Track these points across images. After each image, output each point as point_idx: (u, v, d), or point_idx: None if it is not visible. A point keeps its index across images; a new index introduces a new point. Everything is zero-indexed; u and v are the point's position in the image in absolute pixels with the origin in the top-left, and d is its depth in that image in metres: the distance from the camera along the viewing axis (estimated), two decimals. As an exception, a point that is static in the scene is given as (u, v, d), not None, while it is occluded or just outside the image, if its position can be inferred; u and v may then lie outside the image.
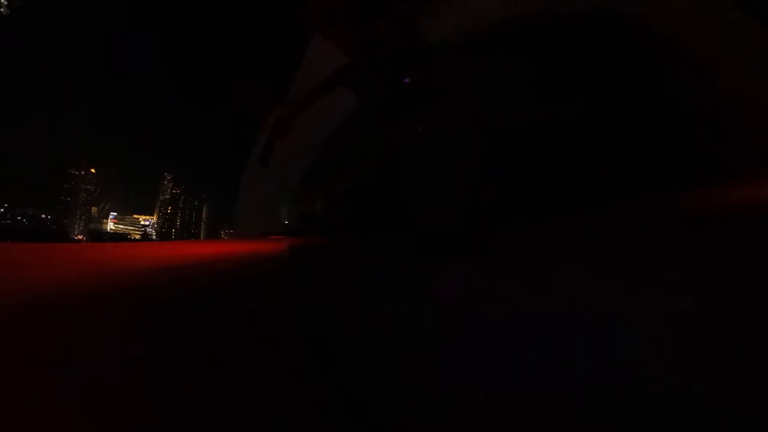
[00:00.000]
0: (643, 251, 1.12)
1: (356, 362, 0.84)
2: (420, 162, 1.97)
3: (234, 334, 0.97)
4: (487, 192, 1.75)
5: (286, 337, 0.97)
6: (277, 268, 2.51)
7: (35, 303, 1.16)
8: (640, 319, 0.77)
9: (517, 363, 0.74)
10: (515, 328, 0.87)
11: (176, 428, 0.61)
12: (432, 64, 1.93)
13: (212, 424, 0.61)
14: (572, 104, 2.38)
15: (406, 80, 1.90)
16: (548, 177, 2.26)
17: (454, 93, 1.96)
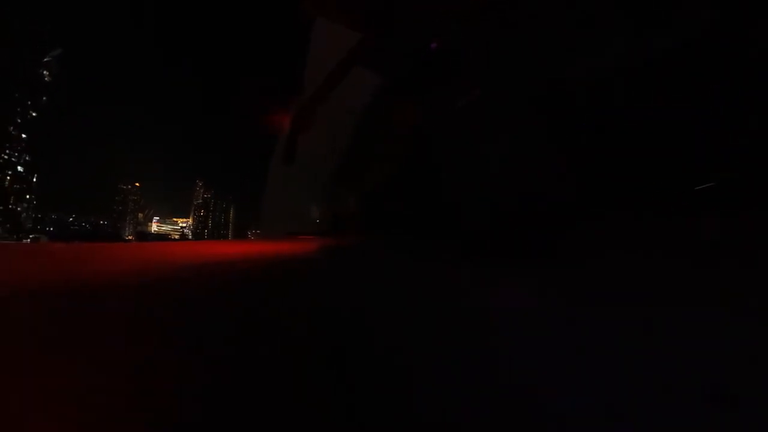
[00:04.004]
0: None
1: (368, 380, 0.60)
2: (461, 146, 1.35)
3: (236, 335, 0.77)
4: (550, 180, 1.11)
5: (290, 341, 0.75)
6: (293, 269, 2.09)
7: (89, 294, 1.05)
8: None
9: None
10: (571, 367, 0.56)
11: (178, 427, 0.48)
12: (461, 20, 1.27)
13: (213, 424, 0.49)
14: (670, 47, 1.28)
15: (433, 45, 1.37)
16: (637, 159, 1.28)
17: (495, 53, 1.27)
